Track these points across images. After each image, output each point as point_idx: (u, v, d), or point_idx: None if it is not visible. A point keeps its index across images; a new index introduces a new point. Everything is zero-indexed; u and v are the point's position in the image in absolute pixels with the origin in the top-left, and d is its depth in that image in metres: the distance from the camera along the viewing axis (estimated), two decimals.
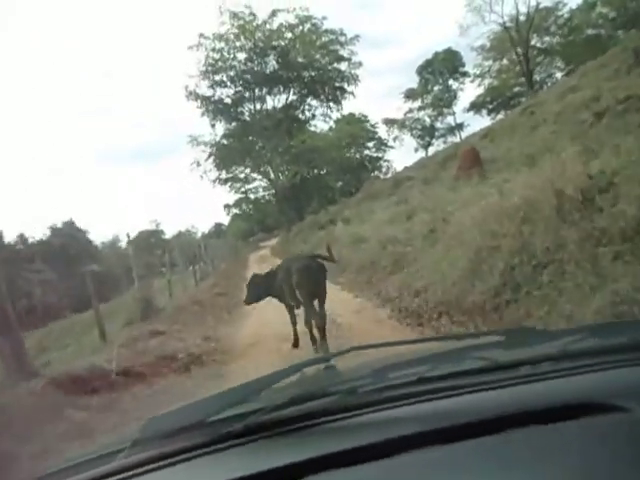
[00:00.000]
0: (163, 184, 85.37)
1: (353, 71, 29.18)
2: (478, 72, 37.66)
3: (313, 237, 18.13)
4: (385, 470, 0.71)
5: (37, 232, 43.31)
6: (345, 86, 29.57)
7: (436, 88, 41.33)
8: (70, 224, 42.17)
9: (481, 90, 38.76)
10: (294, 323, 5.39)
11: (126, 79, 71.18)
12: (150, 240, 46.97)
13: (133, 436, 0.95)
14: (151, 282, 7.04)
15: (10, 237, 40.57)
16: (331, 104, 29.92)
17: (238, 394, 0.99)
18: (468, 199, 9.48)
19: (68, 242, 39.25)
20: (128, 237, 9.15)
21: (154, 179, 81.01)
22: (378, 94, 73.92)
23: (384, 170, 43.90)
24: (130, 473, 0.82)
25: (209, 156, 28.57)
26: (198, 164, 28.66)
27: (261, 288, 5.52)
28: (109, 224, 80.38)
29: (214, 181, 29.73)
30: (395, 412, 0.84)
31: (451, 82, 41.08)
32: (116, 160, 72.40)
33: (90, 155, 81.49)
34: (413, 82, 43.10)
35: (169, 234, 49.75)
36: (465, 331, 4.47)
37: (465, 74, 40.49)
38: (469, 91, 58.03)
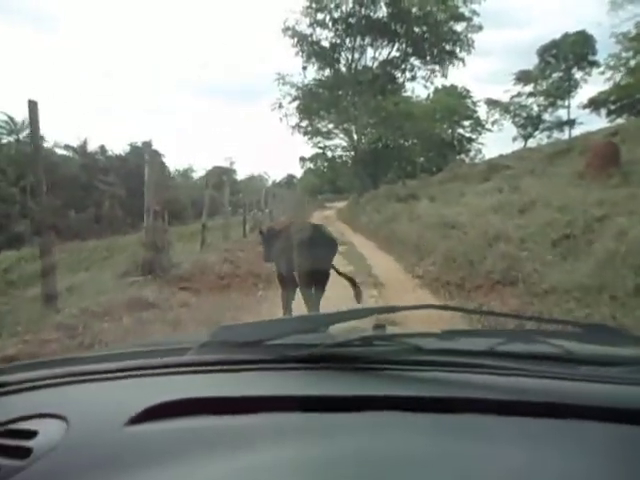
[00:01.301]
0: (246, 126, 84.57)
1: (470, 35, 25.30)
2: (612, 63, 31.86)
3: (388, 208, 15.49)
4: (437, 423, 0.71)
5: (117, 147, 43.07)
6: (457, 51, 25.79)
7: (555, 75, 36.01)
8: (148, 145, 41.48)
9: (607, 86, 33.04)
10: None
11: (227, 18, 69.42)
12: (222, 177, 46.12)
13: (201, 339, 0.97)
14: (163, 225, 4.88)
15: (93, 147, 40.89)
16: (436, 67, 26.28)
17: (307, 322, 1.03)
18: (630, 205, 6.54)
19: (143, 162, 38.52)
20: (158, 158, 6.96)
21: (239, 119, 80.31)
22: (481, 77, 67.72)
23: (471, 155, 39.64)
24: (198, 368, 0.86)
25: (293, 99, 26.05)
26: (280, 105, 26.20)
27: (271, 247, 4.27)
28: (188, 155, 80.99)
29: (293, 127, 27.28)
30: (459, 376, 0.81)
31: (574, 71, 35.57)
32: (209, 96, 71.78)
33: (187, 88, 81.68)
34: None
35: (243, 176, 48.44)
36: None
37: (594, 64, 34.84)
38: (590, 86, 49.87)
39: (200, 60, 76.76)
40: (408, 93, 30.81)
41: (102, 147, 39.66)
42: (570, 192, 9.15)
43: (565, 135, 34.97)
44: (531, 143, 36.69)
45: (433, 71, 26.78)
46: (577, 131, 33.13)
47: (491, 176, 19.15)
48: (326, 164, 47.29)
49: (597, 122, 35.26)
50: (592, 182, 10.74)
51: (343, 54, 26.55)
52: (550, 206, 8.18)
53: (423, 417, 0.71)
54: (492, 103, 39.08)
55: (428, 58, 26.27)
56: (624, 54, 31.52)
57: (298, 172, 54.38)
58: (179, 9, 76.06)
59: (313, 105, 26.12)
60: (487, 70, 70.27)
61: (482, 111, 39.59)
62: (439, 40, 25.32)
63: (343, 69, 26.66)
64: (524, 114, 38.90)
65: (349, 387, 0.77)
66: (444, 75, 26.12)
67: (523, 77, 37.80)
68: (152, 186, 5.20)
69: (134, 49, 75.27)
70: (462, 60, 25.80)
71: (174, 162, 63.22)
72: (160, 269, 4.80)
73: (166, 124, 71.99)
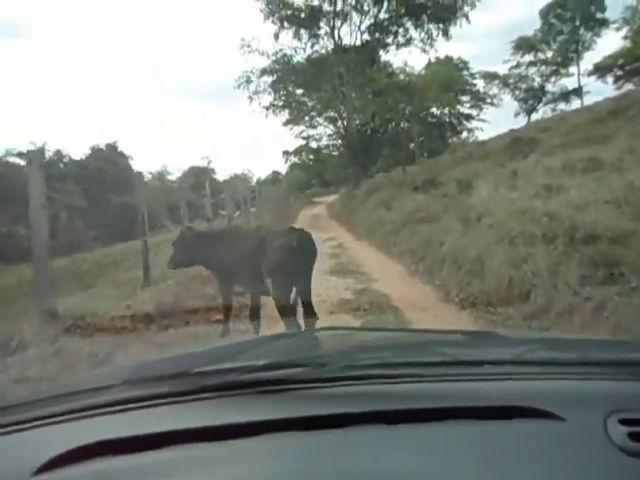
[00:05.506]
0: (227, 125, 78.49)
1: None
2: (628, 16, 26.53)
3: (404, 202, 10.21)
4: (341, 439, 0.72)
5: (78, 153, 36.89)
6: (459, 5, 20.35)
7: (560, 38, 30.77)
8: (113, 147, 35.87)
9: (624, 44, 27.71)
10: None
11: (203, 16, 63.21)
12: (200, 179, 40.41)
13: (122, 376, 0.95)
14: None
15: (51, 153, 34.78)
16: (434, 27, 20.81)
17: (220, 352, 1.04)
18: None
19: (107, 167, 33.02)
20: None
21: (219, 119, 74.46)
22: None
23: (463, 136, 33.62)
24: (116, 408, 0.84)
25: (263, 72, 20.30)
26: (248, 80, 20.43)
27: (194, 250, 3.61)
28: (164, 157, 74.66)
29: (267, 108, 21.55)
30: (357, 389, 0.85)
31: (582, 32, 30.33)
32: (185, 96, 65.94)
33: (163, 88, 75.46)
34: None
35: (225, 176, 42.62)
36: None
37: (602, 23, 29.66)
38: (597, 51, 42.36)
39: (172, 58, 70.55)
40: (399, 65, 25.51)
41: (58, 152, 33.69)
42: None
43: (573, 105, 29.86)
44: (534, 117, 31.57)
45: (430, 34, 21.33)
46: (588, 100, 28.00)
47: (528, 150, 13.99)
48: (311, 156, 41.94)
49: (606, 91, 30.11)
50: None
51: (323, 20, 21.04)
52: None
53: (324, 435, 0.72)
54: (489, 77, 33.78)
55: (424, 17, 20.83)
56: None
57: (284, 169, 48.70)
58: (147, 6, 69.61)
59: (291, 78, 20.54)
60: (467, 55, 64.60)
61: (478, 87, 34.27)
62: None
63: (324, 38, 21.16)
64: (524, 86, 33.69)
65: (261, 411, 0.78)
66: (445, 34, 20.64)
67: (522, 44, 32.51)
68: None
69: (100, 48, 68.72)
70: (466, 16, 20.43)
71: (147, 165, 57.24)
72: None
73: (138, 126, 65.70)
